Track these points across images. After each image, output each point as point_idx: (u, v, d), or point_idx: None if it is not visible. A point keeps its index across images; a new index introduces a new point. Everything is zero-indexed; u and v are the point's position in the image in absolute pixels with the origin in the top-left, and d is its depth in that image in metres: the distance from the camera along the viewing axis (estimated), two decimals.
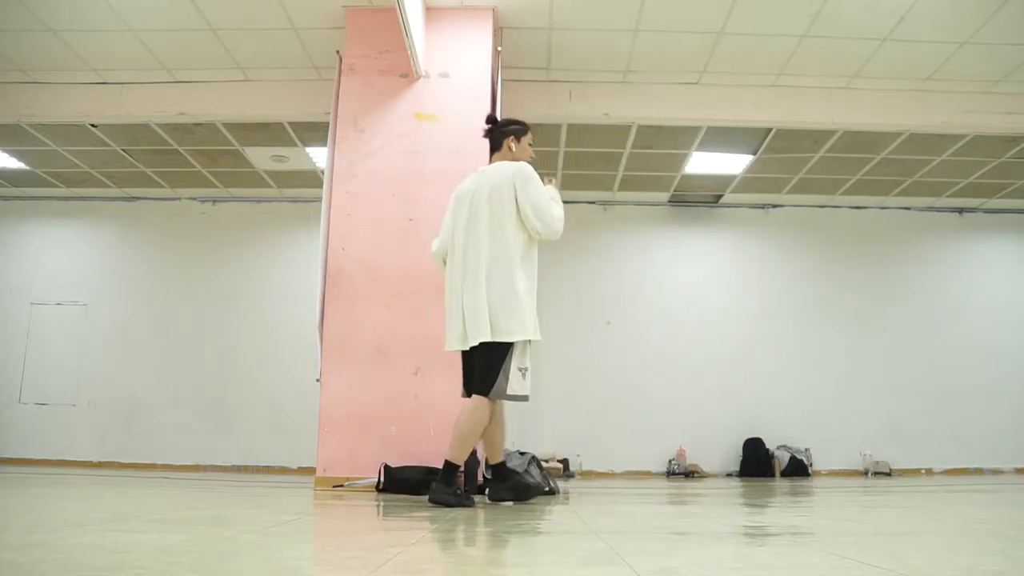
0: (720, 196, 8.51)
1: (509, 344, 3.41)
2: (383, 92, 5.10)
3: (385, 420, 4.65)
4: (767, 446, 8.02)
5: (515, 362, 3.41)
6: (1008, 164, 7.41)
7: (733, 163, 7.53)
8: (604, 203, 8.59)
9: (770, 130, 6.72)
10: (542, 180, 3.61)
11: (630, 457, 8.00)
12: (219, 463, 7.95)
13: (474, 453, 4.49)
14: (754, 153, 7.28)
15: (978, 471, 8.13)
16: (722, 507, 3.70)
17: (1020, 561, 1.75)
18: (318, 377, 4.78)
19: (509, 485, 3.73)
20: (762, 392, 8.23)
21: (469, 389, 3.56)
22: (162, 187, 8.36)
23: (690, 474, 7.82)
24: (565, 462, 7.67)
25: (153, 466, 7.87)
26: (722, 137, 6.93)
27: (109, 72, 6.03)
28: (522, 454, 4.73)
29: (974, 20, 5.21)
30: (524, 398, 3.45)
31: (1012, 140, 6.83)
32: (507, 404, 3.65)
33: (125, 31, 5.44)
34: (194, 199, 8.65)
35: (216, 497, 3.94)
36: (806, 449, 8.01)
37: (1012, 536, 2.29)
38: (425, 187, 4.95)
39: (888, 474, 7.85)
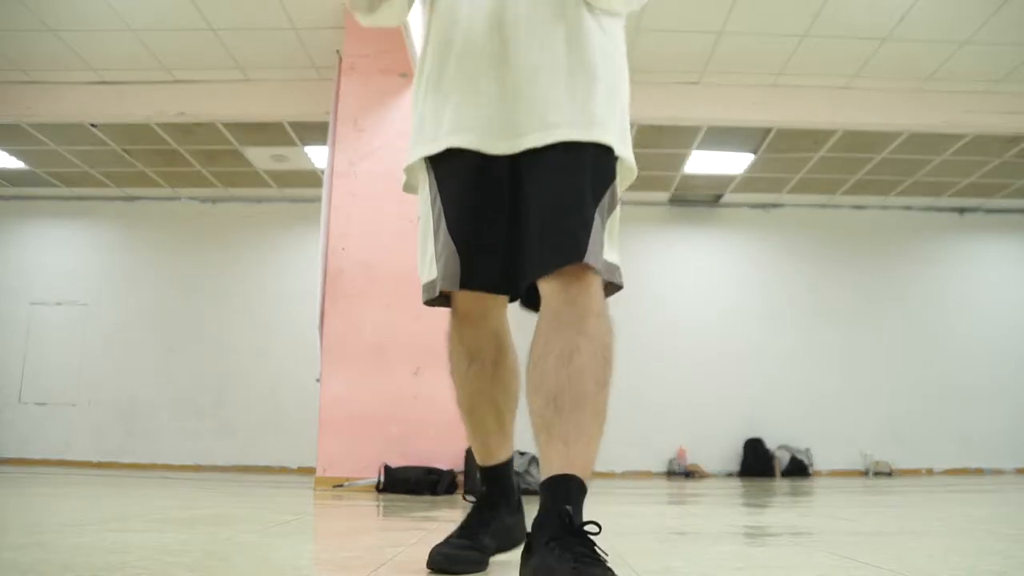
0: (720, 196, 8.51)
1: None
2: (383, 92, 5.10)
3: (385, 420, 4.65)
4: (767, 446, 8.01)
5: None
6: (1008, 164, 7.40)
7: (733, 163, 7.52)
8: None
9: (770, 130, 6.72)
10: None
11: (630, 457, 7.99)
12: (219, 463, 7.94)
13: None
14: (754, 153, 7.28)
15: (979, 471, 8.13)
16: (722, 507, 3.70)
17: (1020, 561, 1.75)
18: (318, 377, 4.78)
19: None
20: (762, 392, 8.22)
21: None
22: (162, 187, 8.36)
23: (690, 474, 7.81)
24: None
25: (153, 466, 7.86)
26: (722, 137, 6.93)
27: (109, 72, 6.03)
28: (522, 454, 4.73)
29: (974, 20, 5.20)
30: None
31: (1012, 140, 6.83)
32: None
33: (125, 31, 5.44)
34: (194, 199, 8.65)
35: (216, 497, 3.93)
36: (806, 449, 8.00)
37: (1012, 536, 2.29)
38: None
39: (889, 474, 7.85)
